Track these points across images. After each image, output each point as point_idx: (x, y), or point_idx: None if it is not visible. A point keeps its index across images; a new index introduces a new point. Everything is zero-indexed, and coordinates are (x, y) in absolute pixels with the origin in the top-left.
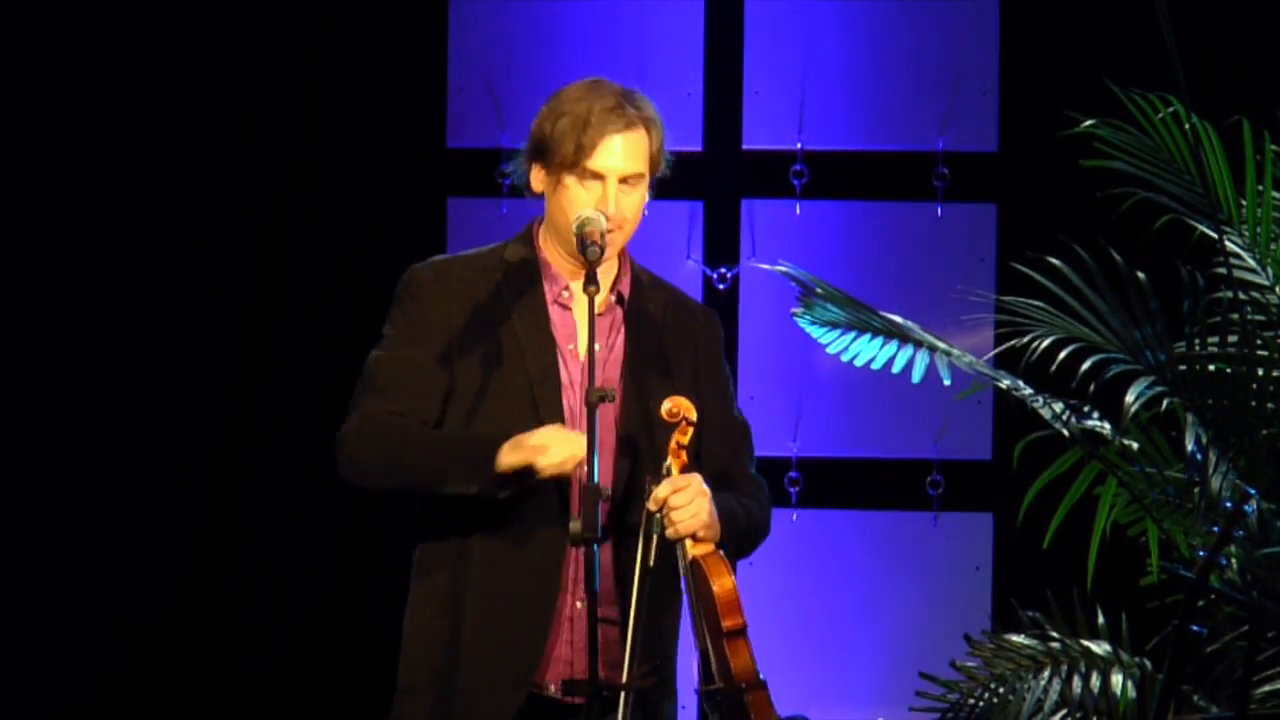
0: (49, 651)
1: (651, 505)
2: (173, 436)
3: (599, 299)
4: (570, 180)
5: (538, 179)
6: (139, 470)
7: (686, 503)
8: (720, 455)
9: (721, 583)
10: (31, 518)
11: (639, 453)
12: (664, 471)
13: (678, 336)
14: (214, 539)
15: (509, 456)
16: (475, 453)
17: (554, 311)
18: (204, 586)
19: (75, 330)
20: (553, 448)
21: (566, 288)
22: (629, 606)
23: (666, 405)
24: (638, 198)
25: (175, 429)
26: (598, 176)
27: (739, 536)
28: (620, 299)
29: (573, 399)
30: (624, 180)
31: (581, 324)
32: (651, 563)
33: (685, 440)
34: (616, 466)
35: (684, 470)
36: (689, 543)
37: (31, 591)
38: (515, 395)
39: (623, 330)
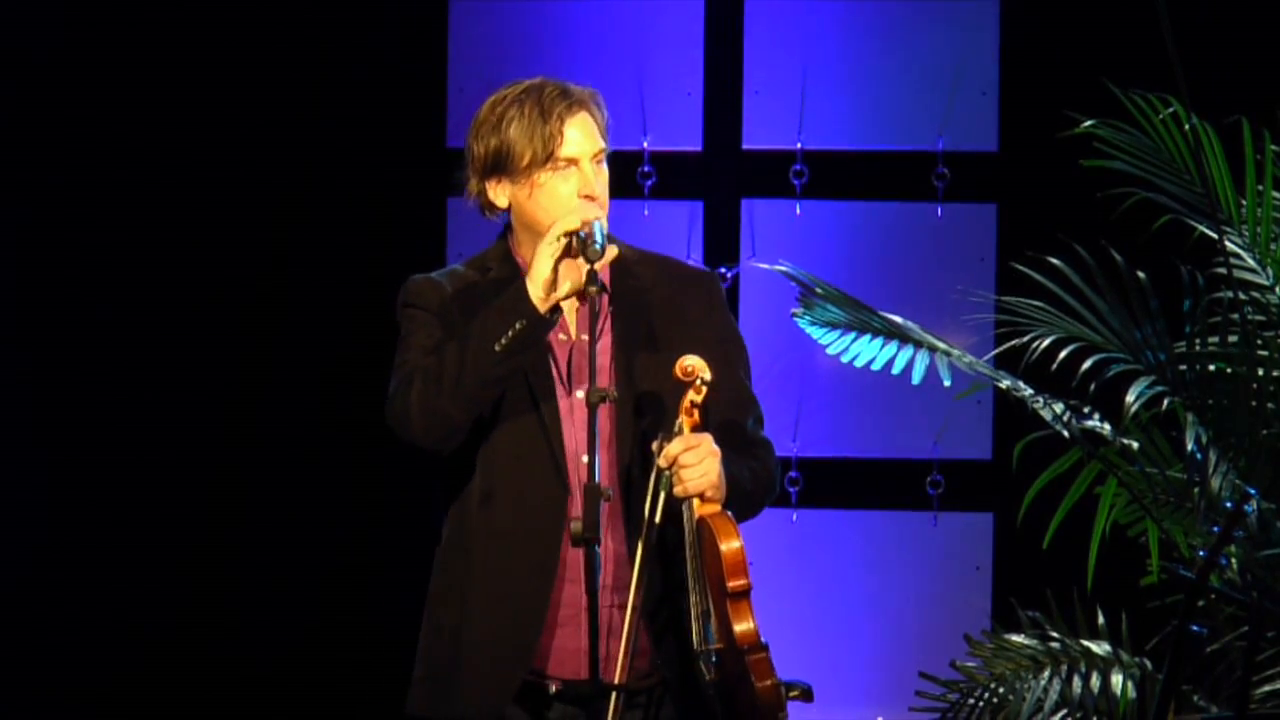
0: (52, 650)
1: (662, 462)
2: (174, 436)
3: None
4: (544, 176)
5: (499, 193)
6: (142, 470)
7: (697, 461)
8: (723, 419)
9: (729, 543)
10: (34, 517)
11: (636, 439)
12: (675, 429)
13: (668, 312)
14: (217, 538)
15: (536, 265)
16: (505, 300)
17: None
18: (207, 586)
19: (76, 330)
20: (560, 218)
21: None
22: (650, 593)
23: (681, 364)
24: (606, 174)
25: (176, 428)
26: (572, 162)
27: (742, 500)
28: (602, 285)
29: (560, 392)
30: (594, 159)
31: (567, 313)
32: (658, 519)
33: (699, 399)
34: (618, 455)
35: (695, 430)
36: (696, 502)
37: (34, 591)
38: (514, 386)
39: (610, 317)
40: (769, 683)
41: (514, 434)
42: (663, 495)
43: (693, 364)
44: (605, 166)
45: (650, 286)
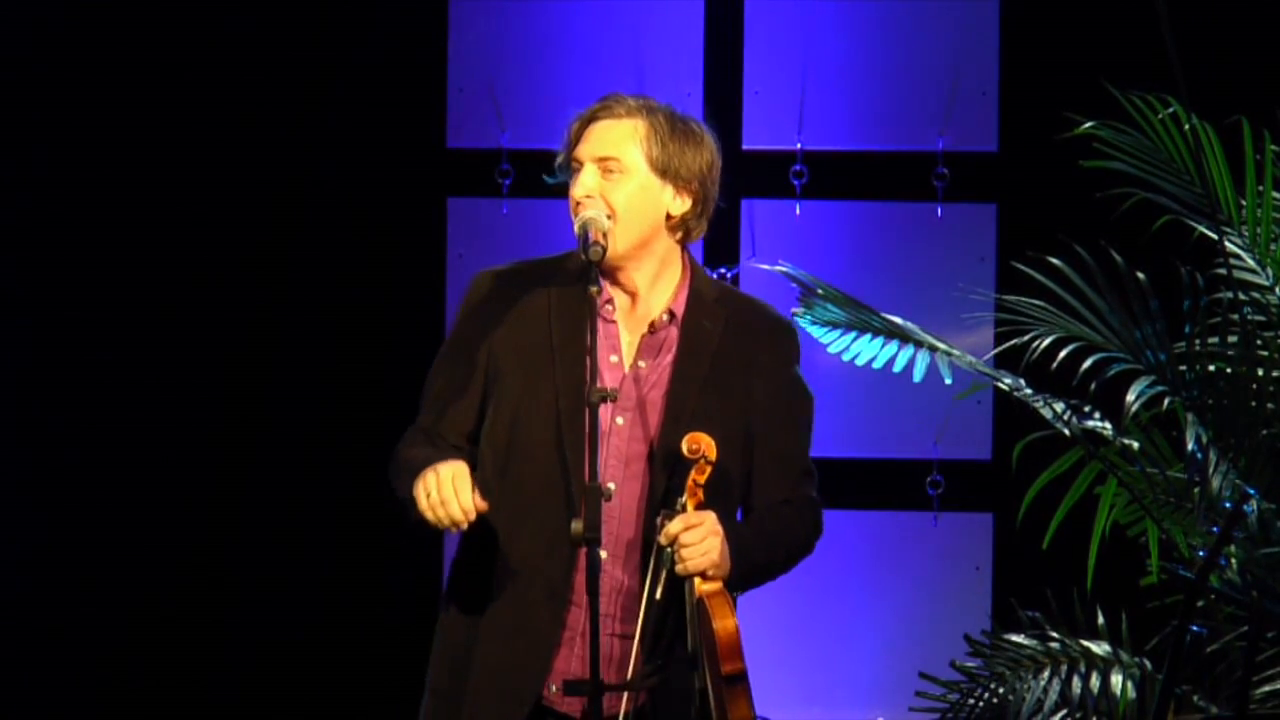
0: (50, 651)
1: (662, 540)
2: (173, 436)
3: (625, 307)
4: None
5: None
6: (141, 470)
7: (698, 540)
8: (770, 480)
9: (724, 624)
10: (31, 517)
11: (670, 472)
12: (678, 508)
13: (732, 359)
14: (216, 539)
15: (411, 481)
16: (411, 470)
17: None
18: (204, 588)
19: (77, 330)
20: (433, 493)
21: (610, 300)
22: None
23: (687, 442)
24: (626, 187)
25: (176, 428)
26: (581, 166)
27: (752, 574)
28: (672, 316)
29: (603, 413)
30: (601, 165)
31: (626, 337)
32: (659, 596)
33: (702, 479)
34: (652, 484)
35: (699, 508)
36: (697, 580)
37: (32, 592)
38: (543, 406)
39: (674, 350)
40: None
41: (541, 452)
42: (664, 572)
43: (700, 443)
44: (631, 181)
45: (721, 329)
